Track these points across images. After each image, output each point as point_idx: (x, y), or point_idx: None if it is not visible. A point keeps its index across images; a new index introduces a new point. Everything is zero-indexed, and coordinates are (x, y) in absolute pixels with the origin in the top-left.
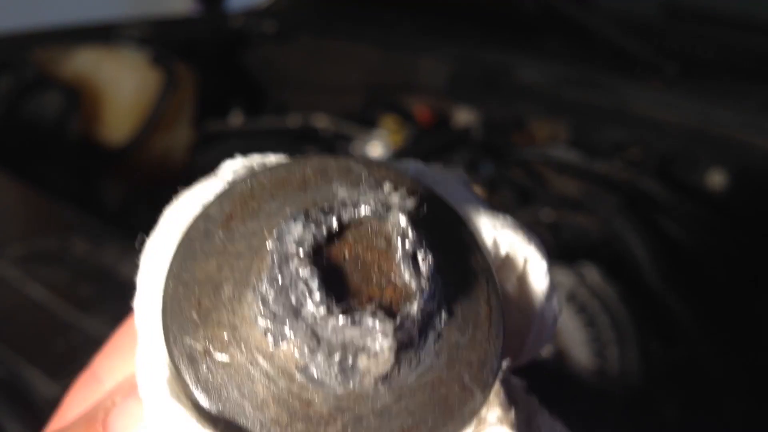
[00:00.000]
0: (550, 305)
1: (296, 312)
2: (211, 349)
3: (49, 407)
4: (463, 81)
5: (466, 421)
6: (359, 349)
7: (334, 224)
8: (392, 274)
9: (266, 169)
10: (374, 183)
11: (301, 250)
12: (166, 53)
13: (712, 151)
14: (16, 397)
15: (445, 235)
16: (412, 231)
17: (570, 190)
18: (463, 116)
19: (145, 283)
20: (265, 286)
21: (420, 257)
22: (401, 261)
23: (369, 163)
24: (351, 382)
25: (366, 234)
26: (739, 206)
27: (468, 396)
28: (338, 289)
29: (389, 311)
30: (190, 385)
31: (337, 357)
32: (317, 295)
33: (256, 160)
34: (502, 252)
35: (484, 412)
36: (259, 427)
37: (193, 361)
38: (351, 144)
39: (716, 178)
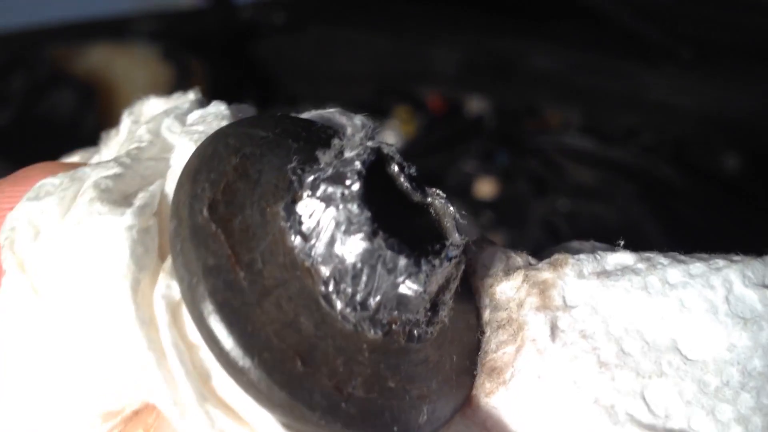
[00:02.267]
0: None
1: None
2: (257, 262)
3: None
4: (475, 69)
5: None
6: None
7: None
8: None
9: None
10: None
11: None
12: (177, 48)
13: (727, 135)
14: None
15: None
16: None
17: (586, 179)
18: (476, 104)
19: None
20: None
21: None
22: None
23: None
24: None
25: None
26: (755, 189)
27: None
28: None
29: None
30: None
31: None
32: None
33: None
34: None
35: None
36: (292, 352)
37: (217, 272)
38: None
39: (731, 162)
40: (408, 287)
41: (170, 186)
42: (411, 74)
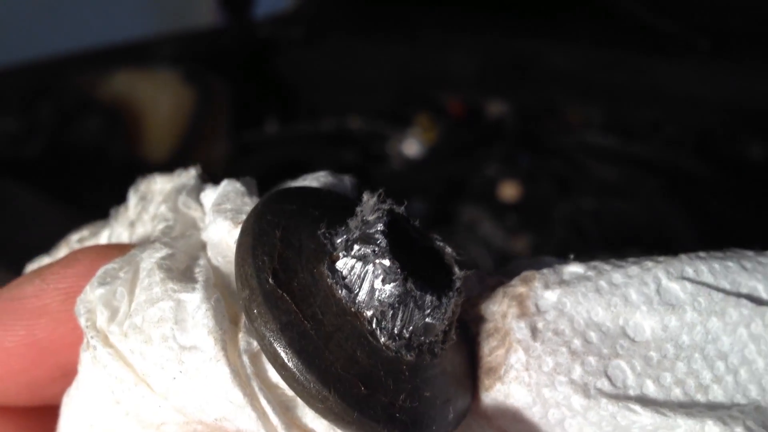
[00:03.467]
0: None
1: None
2: (318, 314)
3: None
4: (494, 72)
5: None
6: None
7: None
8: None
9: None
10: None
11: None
12: (198, 69)
13: (749, 124)
14: None
15: None
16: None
17: (610, 176)
18: (496, 107)
19: None
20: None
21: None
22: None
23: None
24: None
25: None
26: None
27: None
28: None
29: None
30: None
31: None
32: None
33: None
34: None
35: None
36: (359, 383)
37: (290, 328)
38: (386, 143)
39: (755, 150)
40: (433, 317)
41: (218, 259)
42: (430, 81)
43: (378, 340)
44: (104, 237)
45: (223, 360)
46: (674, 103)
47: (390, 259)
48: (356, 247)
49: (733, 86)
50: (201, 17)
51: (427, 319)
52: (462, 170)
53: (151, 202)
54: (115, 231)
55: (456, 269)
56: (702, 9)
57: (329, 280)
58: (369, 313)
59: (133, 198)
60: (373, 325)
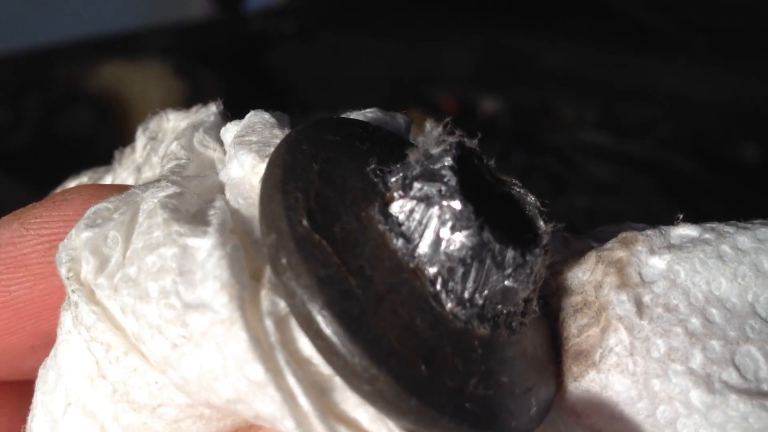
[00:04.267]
0: None
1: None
2: (366, 269)
3: None
4: (488, 69)
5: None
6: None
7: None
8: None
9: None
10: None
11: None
12: (189, 61)
13: (744, 124)
14: None
15: None
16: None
17: (604, 175)
18: (490, 105)
19: None
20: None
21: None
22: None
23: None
24: (505, 326)
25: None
26: None
27: (550, 356)
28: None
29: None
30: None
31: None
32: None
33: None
34: None
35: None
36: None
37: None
38: None
39: (750, 151)
40: (515, 280)
41: (238, 201)
42: (423, 77)
43: (443, 306)
44: (107, 182)
45: (239, 323)
46: (669, 103)
47: (462, 201)
48: (417, 185)
49: (728, 86)
50: (192, 9)
51: (506, 282)
52: None
53: (162, 142)
54: (119, 176)
55: (541, 223)
56: (699, 8)
57: (381, 227)
58: (432, 271)
59: (141, 138)
60: (438, 287)
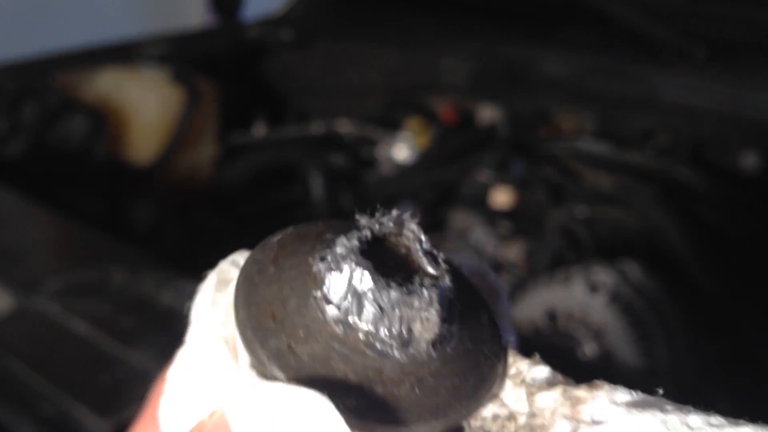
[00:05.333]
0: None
1: (359, 298)
2: (293, 344)
3: None
4: (486, 77)
5: (494, 381)
6: (412, 319)
7: (369, 234)
8: (417, 267)
9: (288, 229)
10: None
11: (353, 248)
12: (186, 70)
13: (744, 134)
14: None
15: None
16: (424, 235)
17: (603, 184)
18: (488, 113)
19: (203, 319)
20: (326, 289)
21: (436, 253)
22: (422, 256)
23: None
24: (410, 348)
25: (392, 243)
26: None
27: (492, 362)
28: (386, 273)
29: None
30: (281, 376)
31: (395, 329)
32: (374, 278)
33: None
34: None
35: (513, 369)
36: (346, 395)
37: (280, 356)
38: (376, 147)
39: (750, 160)
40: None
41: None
42: (421, 85)
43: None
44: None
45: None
46: (668, 112)
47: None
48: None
49: (727, 95)
50: (190, 18)
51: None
52: (453, 176)
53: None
54: None
55: (429, 268)
56: (698, 18)
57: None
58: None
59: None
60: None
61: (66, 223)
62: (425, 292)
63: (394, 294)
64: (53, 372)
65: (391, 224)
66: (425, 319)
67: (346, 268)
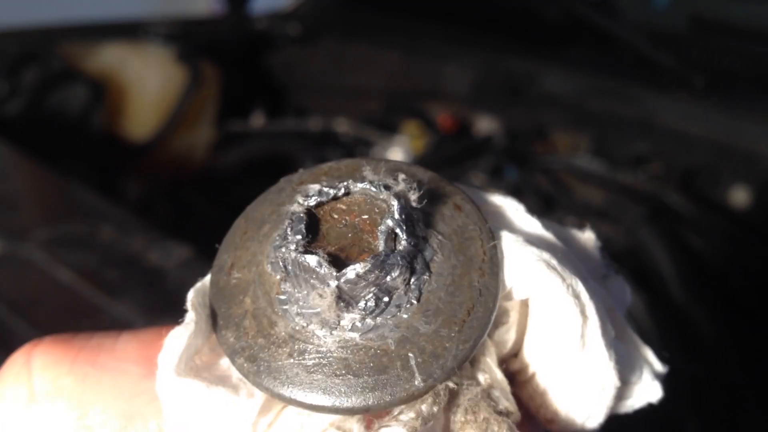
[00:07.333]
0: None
1: (277, 247)
2: (234, 264)
3: None
4: (486, 89)
5: (395, 399)
6: (311, 287)
7: (341, 192)
8: (369, 241)
9: (313, 166)
10: (390, 172)
11: (302, 201)
12: (192, 51)
13: (736, 166)
14: None
15: (454, 240)
16: (400, 210)
17: (594, 199)
18: (486, 124)
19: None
20: (284, 227)
21: (400, 233)
22: (380, 232)
23: (395, 163)
24: (303, 317)
25: (364, 204)
26: (763, 222)
27: (407, 377)
28: (315, 234)
29: (340, 264)
30: (211, 291)
31: (300, 291)
32: (294, 234)
33: None
34: (519, 295)
35: (418, 403)
36: (234, 328)
37: (220, 270)
38: (372, 149)
39: (739, 195)
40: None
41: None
42: (422, 91)
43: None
44: None
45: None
46: (663, 137)
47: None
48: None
49: (722, 126)
50: (200, 5)
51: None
52: (447, 180)
53: None
54: None
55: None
56: (699, 48)
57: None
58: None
59: None
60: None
61: (59, 178)
62: (323, 268)
63: (294, 255)
64: (35, 317)
65: (374, 183)
66: (318, 295)
67: (294, 216)
